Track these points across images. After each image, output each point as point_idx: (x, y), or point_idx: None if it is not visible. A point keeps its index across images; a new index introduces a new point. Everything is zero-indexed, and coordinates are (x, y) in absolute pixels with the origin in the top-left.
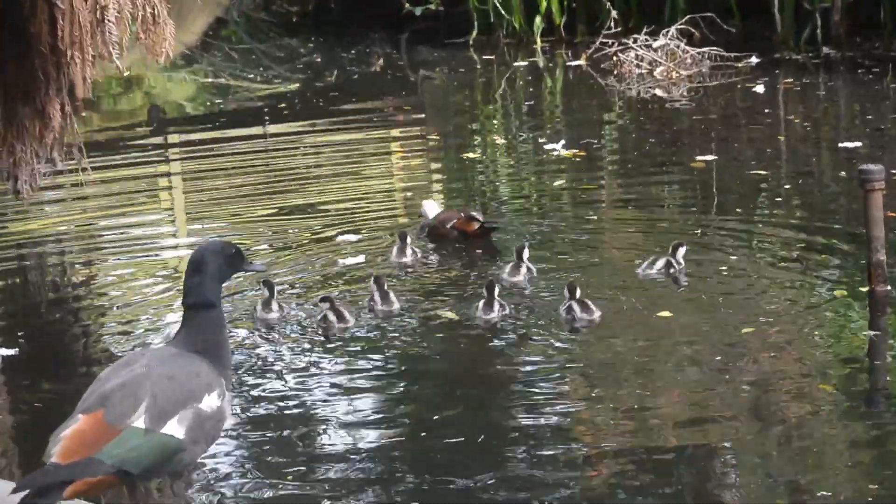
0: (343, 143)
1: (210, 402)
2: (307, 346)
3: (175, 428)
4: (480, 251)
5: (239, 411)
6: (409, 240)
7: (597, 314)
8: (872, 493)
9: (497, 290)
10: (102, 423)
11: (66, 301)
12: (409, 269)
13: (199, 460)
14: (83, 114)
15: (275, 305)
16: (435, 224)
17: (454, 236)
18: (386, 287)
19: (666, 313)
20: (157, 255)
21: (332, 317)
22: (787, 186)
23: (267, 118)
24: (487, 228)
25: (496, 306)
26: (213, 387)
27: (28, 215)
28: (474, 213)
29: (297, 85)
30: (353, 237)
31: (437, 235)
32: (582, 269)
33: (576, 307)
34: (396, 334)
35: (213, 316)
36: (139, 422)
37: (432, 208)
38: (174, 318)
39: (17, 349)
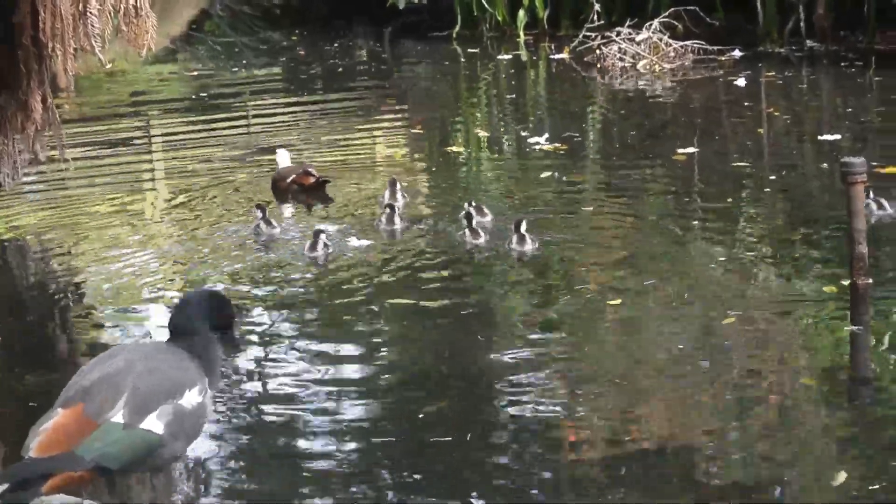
0: (325, 136)
1: (191, 398)
2: (287, 334)
3: (154, 423)
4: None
5: (223, 401)
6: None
7: (530, 246)
8: (855, 485)
9: (475, 221)
10: (82, 417)
11: (48, 292)
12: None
13: (180, 455)
14: (66, 105)
15: (320, 245)
16: (276, 179)
17: (293, 189)
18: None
19: (649, 304)
20: (140, 245)
21: (263, 227)
22: (770, 178)
23: (249, 110)
24: (321, 182)
25: (481, 232)
26: (195, 382)
27: (8, 206)
28: (310, 169)
29: (280, 77)
30: (330, 228)
31: (278, 189)
32: (565, 259)
33: (515, 239)
34: (381, 320)
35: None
36: (118, 416)
37: (284, 158)
38: (157, 307)
39: None
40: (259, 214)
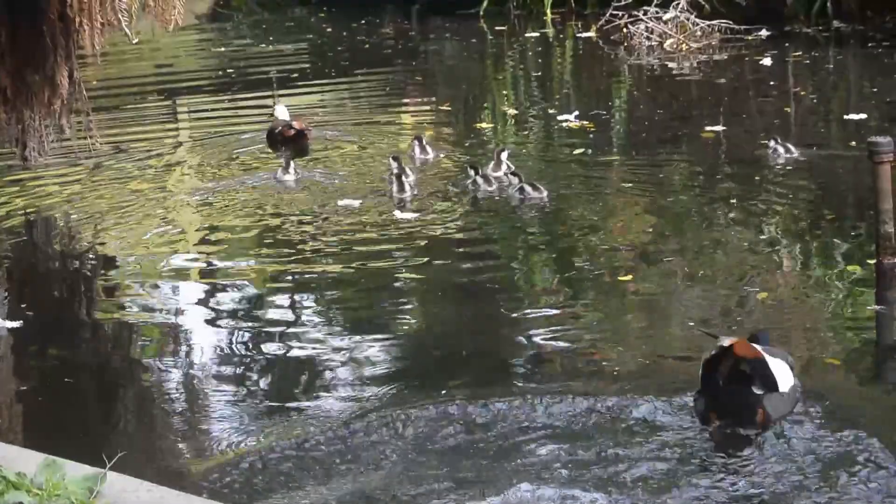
0: (353, 112)
1: None
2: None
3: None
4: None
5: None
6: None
7: (545, 193)
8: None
9: (480, 171)
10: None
11: (71, 266)
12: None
13: None
14: (94, 82)
15: (407, 186)
16: (268, 131)
17: (279, 140)
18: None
19: (674, 281)
20: (163, 223)
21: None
22: (797, 157)
23: (276, 86)
24: (299, 134)
25: (493, 180)
26: None
27: (34, 182)
28: (293, 124)
29: (307, 54)
30: (355, 202)
31: (269, 140)
32: (591, 234)
33: (527, 188)
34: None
35: None
36: None
37: (282, 112)
38: (182, 281)
39: (21, 321)
40: (290, 166)
